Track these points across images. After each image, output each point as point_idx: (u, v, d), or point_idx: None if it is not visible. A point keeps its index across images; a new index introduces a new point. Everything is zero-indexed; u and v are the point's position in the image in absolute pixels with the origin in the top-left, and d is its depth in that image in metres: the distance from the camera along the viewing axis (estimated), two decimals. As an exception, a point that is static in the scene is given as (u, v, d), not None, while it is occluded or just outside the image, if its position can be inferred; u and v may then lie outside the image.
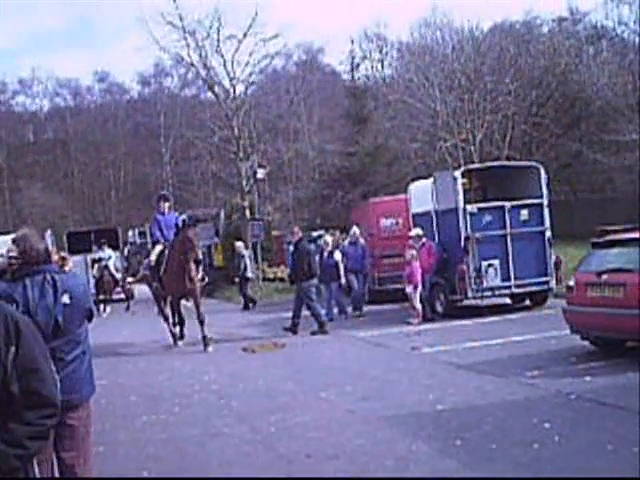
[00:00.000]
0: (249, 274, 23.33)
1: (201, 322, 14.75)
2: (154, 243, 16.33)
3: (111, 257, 25.48)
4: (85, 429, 5.16)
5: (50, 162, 72.99)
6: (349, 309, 18.66)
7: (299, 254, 16.19)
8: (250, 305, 23.10)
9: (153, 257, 15.88)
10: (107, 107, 75.37)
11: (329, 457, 6.95)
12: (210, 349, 14.39)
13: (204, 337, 14.61)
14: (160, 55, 55.22)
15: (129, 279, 31.14)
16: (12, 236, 5.11)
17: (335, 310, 18.36)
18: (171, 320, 16.22)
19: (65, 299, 4.89)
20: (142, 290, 32.93)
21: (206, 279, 16.89)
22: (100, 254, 25.15)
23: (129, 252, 41.54)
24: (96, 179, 73.11)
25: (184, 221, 15.73)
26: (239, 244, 24.07)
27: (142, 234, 43.40)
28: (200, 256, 14.89)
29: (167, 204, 16.48)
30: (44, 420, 3.28)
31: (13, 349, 3.22)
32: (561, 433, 6.93)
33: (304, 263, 15.92)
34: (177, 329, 16.21)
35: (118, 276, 26.66)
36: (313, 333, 15.65)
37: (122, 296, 28.19)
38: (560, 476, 6.01)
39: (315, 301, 16.05)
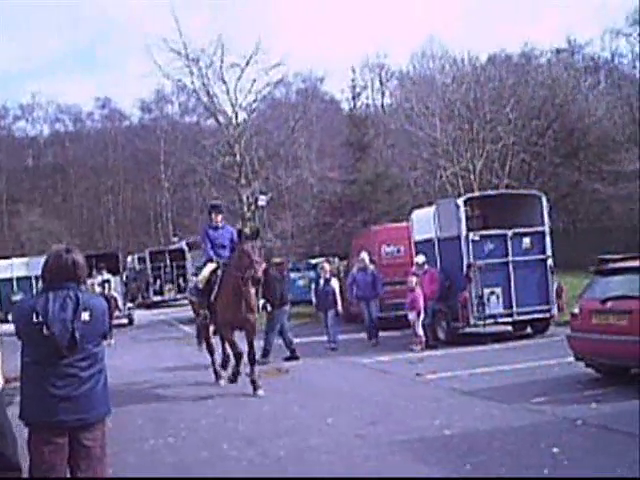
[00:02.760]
0: None
1: (252, 361, 12.38)
2: (205, 262, 13.57)
3: (110, 281, 25.48)
4: (101, 450, 5.19)
5: (49, 187, 73.28)
6: (363, 335, 18.47)
7: (268, 283, 15.95)
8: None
9: (202, 277, 13.21)
10: (107, 133, 75.70)
11: (340, 480, 7.01)
12: (261, 392, 12.00)
13: (253, 381, 12.22)
14: (161, 82, 55.83)
15: (129, 304, 31.28)
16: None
17: (326, 338, 18.09)
18: (218, 357, 13.98)
19: (85, 316, 5.00)
20: (142, 315, 33.10)
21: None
22: (99, 278, 25.16)
23: (128, 278, 41.58)
24: (95, 205, 73.31)
25: (240, 232, 12.94)
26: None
27: (141, 260, 43.48)
28: (260, 274, 12.08)
29: (220, 216, 13.70)
30: None
31: None
32: (570, 458, 7.00)
33: (275, 291, 15.76)
34: (222, 365, 13.94)
35: (119, 301, 26.69)
36: (259, 362, 15.40)
37: (123, 321, 28.26)
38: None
39: (276, 331, 15.86)
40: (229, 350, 13.20)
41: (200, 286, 13.16)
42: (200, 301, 13.27)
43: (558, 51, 49.44)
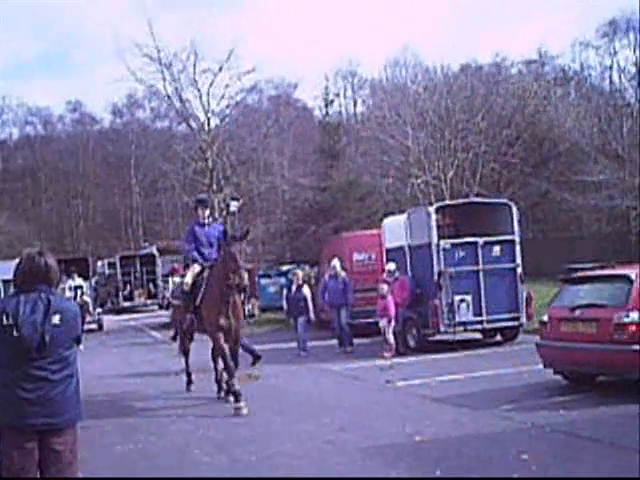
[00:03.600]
0: None
1: (230, 371, 11.34)
2: (187, 265, 12.77)
3: (82, 287, 25.30)
4: (72, 455, 5.14)
5: (19, 190, 72.42)
6: (334, 342, 18.41)
7: None
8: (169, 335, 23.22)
9: (188, 279, 12.22)
10: (78, 137, 75.00)
11: (311, 486, 7.04)
12: (242, 404, 10.88)
13: (234, 392, 11.10)
14: (133, 86, 55.59)
15: (98, 309, 31.03)
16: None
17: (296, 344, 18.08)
18: (218, 367, 12.52)
19: (55, 320, 4.97)
20: (111, 321, 32.86)
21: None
22: (70, 283, 24.94)
23: (97, 283, 41.29)
24: (65, 209, 72.64)
25: (225, 232, 11.67)
26: (176, 279, 24.38)
27: (111, 265, 43.21)
28: (246, 282, 11.21)
29: (207, 212, 12.70)
30: None
31: None
32: (538, 464, 7.08)
33: None
34: (216, 380, 12.66)
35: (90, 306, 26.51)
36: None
37: (93, 326, 28.03)
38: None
39: None
40: (220, 359, 11.92)
41: (186, 289, 12.22)
42: (185, 304, 12.36)
43: (529, 62, 49.98)
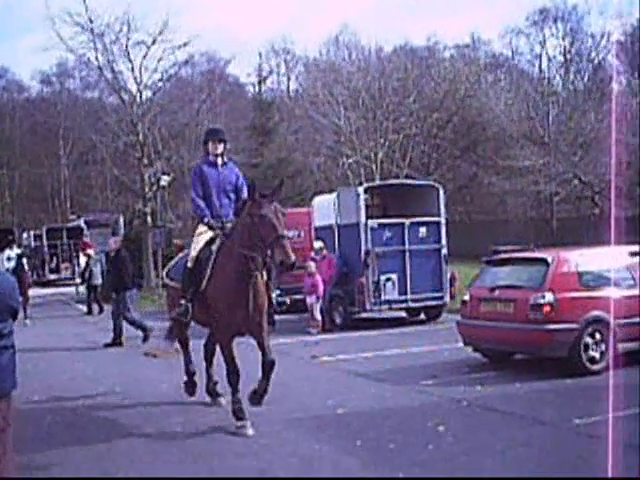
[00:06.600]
0: (97, 281, 23.48)
1: (268, 372, 8.75)
2: (198, 222, 9.18)
3: (23, 257, 24.79)
4: (5, 421, 5.30)
5: (-60, 159, 70.27)
6: None
7: (119, 264, 15.98)
8: (96, 311, 23.42)
9: (193, 252, 8.76)
10: (4, 105, 73.06)
11: (236, 455, 7.28)
12: (248, 427, 8.13)
13: (238, 409, 8.38)
14: (63, 55, 54.32)
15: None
16: None
17: None
18: (210, 373, 10.05)
19: None
20: (37, 293, 32.36)
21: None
22: (8, 252, 24.37)
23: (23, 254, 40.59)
24: (-11, 178, 70.82)
25: (252, 185, 8.17)
26: (90, 252, 24.40)
27: (37, 237, 42.51)
28: (293, 257, 7.64)
29: (221, 147, 9.11)
30: None
31: None
32: (454, 435, 7.47)
33: (124, 273, 15.86)
34: (208, 391, 9.90)
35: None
36: (107, 345, 15.61)
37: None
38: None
39: (130, 310, 15.89)
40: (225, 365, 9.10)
41: (190, 265, 8.75)
42: (185, 287, 8.82)
43: (461, 46, 50.75)
